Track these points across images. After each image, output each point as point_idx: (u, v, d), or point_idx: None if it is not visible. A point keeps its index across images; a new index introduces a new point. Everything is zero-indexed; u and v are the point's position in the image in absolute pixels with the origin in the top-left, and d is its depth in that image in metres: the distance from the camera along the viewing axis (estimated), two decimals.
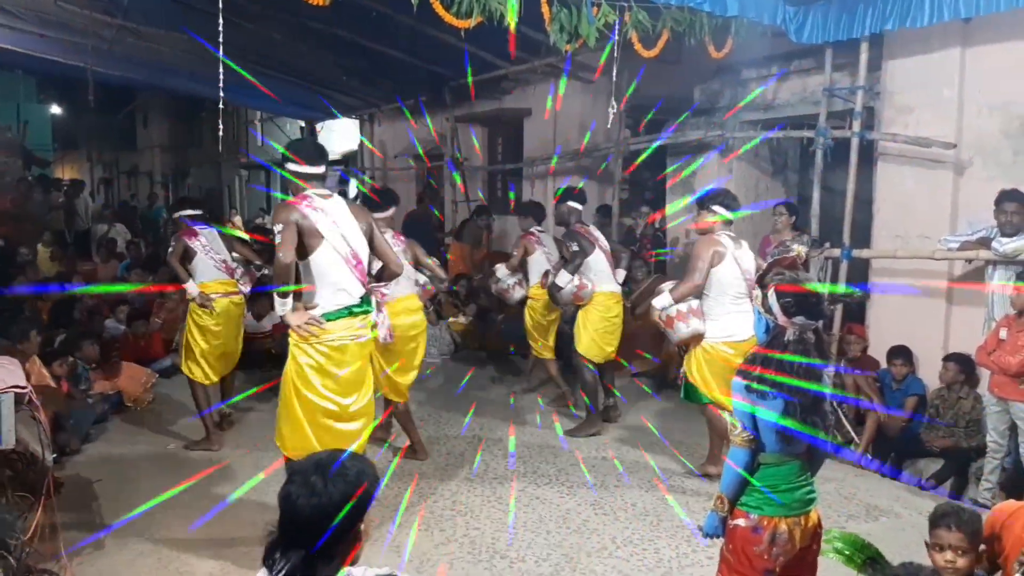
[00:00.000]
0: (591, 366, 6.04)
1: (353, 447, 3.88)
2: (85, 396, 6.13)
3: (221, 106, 6.16)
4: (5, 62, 14.37)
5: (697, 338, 4.84)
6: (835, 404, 5.92)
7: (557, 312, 6.71)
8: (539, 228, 6.71)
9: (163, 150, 26.19)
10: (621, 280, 6.22)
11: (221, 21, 5.31)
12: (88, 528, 4.30)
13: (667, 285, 4.94)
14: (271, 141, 16.11)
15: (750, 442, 2.69)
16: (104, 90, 12.39)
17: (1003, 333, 4.87)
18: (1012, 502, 3.01)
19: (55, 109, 24.59)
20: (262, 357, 8.08)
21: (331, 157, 4.03)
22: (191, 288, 5.57)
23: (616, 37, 5.68)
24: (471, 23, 5.19)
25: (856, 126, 6.08)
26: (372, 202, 5.37)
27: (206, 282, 5.64)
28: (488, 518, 4.56)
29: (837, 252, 6.10)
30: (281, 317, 3.85)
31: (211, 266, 5.69)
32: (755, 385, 2.63)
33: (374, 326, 4.15)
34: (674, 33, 5.90)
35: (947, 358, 5.48)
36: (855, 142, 6.06)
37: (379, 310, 5.02)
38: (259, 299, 8.38)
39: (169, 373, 7.54)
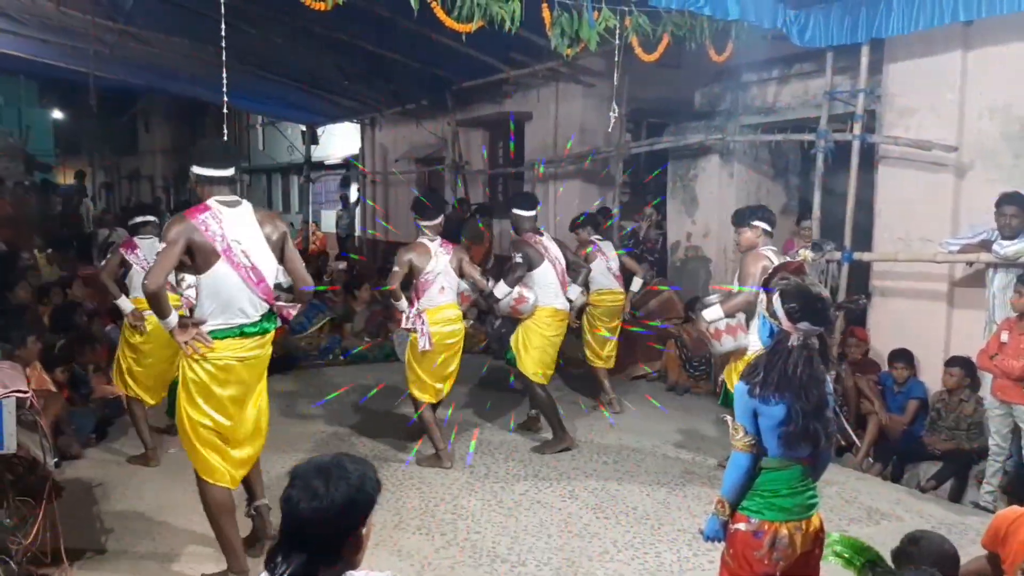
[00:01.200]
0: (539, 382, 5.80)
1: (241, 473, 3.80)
2: (86, 401, 6.13)
3: (225, 110, 6.16)
4: (7, 67, 14.41)
5: (739, 352, 4.85)
6: (836, 408, 5.93)
7: (618, 320, 6.77)
8: (598, 237, 6.81)
9: (165, 154, 26.24)
10: (573, 296, 5.94)
11: (224, 25, 5.32)
12: (89, 532, 4.30)
13: (715, 297, 5.00)
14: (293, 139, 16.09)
15: (752, 446, 2.68)
16: (106, 95, 12.41)
17: (1004, 336, 4.86)
18: (1015, 508, 3.01)
19: (57, 114, 24.65)
20: None
21: (236, 165, 3.74)
22: (124, 304, 5.27)
23: (617, 41, 5.69)
24: (472, 27, 5.20)
25: (857, 129, 6.08)
26: (422, 208, 5.40)
27: (141, 298, 4.97)
28: (489, 522, 4.56)
29: (838, 255, 6.10)
30: (169, 332, 3.58)
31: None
32: (758, 389, 2.63)
33: (403, 334, 3.90)
34: (675, 37, 5.90)
35: (950, 362, 5.47)
36: (856, 145, 6.06)
37: (420, 318, 5.13)
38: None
39: None
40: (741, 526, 2.70)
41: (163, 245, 3.47)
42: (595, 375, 6.90)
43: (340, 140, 17.25)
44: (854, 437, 5.83)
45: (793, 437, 2.61)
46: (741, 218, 5.05)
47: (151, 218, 5.63)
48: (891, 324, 6.15)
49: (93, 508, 4.67)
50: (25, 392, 3.52)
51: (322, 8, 5.01)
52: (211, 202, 3.57)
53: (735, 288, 4.91)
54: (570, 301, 5.92)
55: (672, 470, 5.44)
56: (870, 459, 5.72)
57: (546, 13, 5.36)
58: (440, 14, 5.14)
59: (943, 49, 5.74)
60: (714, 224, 8.08)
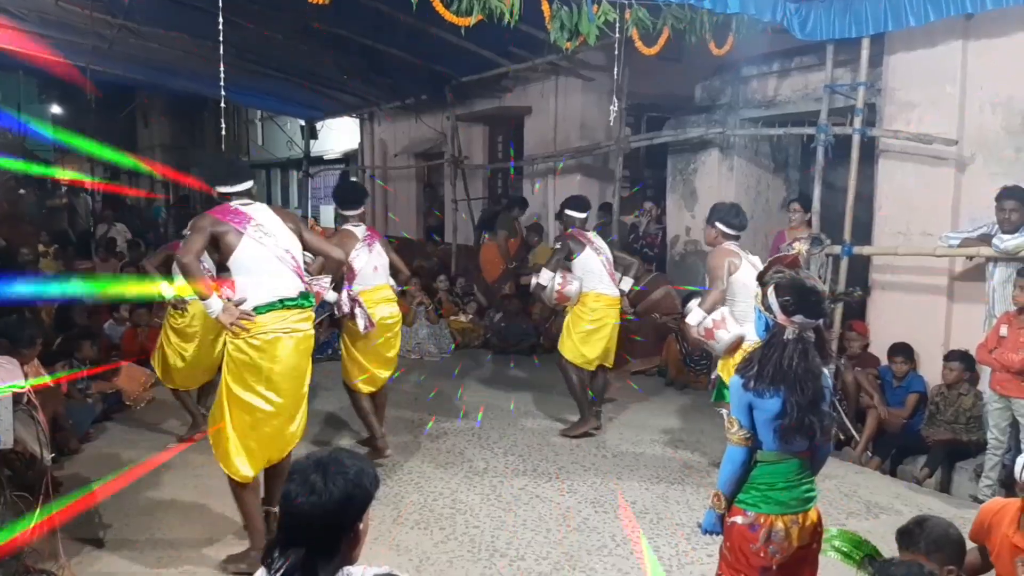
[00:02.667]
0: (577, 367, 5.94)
1: (283, 452, 3.89)
2: (84, 396, 6.13)
3: (223, 105, 6.14)
4: (6, 63, 14.36)
5: (737, 344, 4.76)
6: (835, 402, 5.92)
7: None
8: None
9: (164, 149, 26.21)
10: (625, 287, 6.08)
11: (221, 20, 5.30)
12: (87, 527, 4.29)
13: (693, 303, 4.98)
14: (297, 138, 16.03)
15: (747, 439, 2.68)
16: (105, 89, 12.38)
17: (1003, 330, 4.85)
18: (998, 500, 3.02)
19: (56, 109, 24.59)
20: None
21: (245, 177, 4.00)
22: (166, 290, 5.50)
23: (617, 35, 5.67)
24: (471, 21, 5.18)
25: (857, 123, 6.06)
26: (343, 197, 5.43)
27: (183, 285, 5.27)
28: (488, 516, 4.56)
29: (838, 249, 6.08)
30: (215, 318, 3.72)
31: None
32: (753, 383, 2.62)
33: (347, 318, 4.32)
34: (675, 31, 5.88)
35: (949, 356, 5.46)
36: (856, 139, 6.04)
37: (356, 301, 5.02)
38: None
39: None
40: (738, 519, 2.70)
41: (187, 231, 3.85)
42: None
43: (339, 135, 17.22)
44: (853, 431, 5.82)
45: (788, 430, 2.60)
46: (709, 215, 5.13)
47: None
48: (891, 318, 6.14)
49: (91, 503, 4.67)
50: (22, 387, 3.52)
51: (321, 2, 4.99)
52: (229, 203, 3.87)
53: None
54: (622, 292, 6.06)
55: (671, 465, 5.44)
56: (869, 453, 5.71)
57: (545, 7, 5.34)
58: (439, 8, 5.12)
59: (944, 42, 5.72)
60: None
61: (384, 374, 5.40)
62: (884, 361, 5.99)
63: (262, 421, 3.75)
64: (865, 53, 5.96)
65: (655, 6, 5.65)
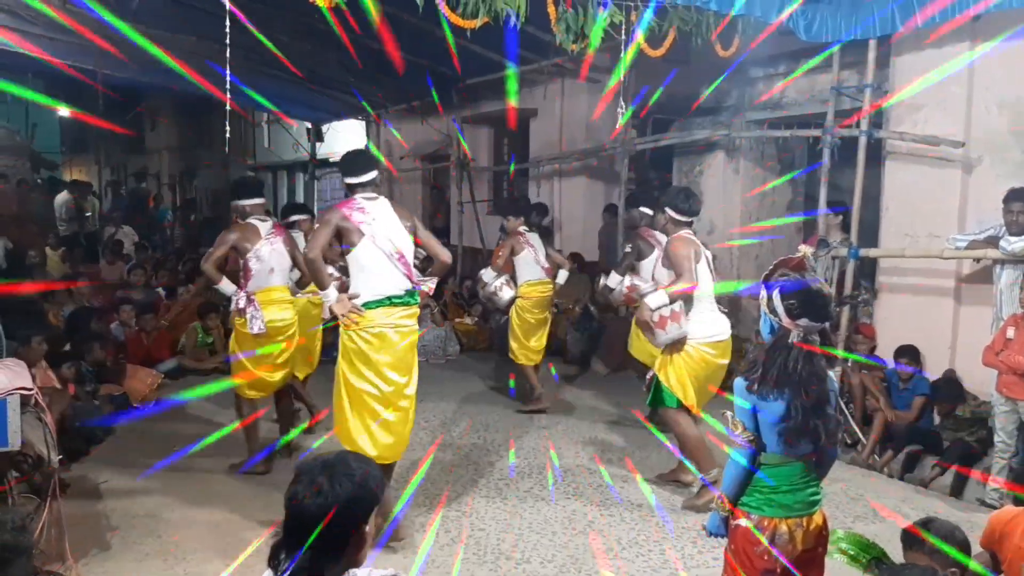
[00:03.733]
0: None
1: (392, 440, 4.14)
2: (91, 398, 6.15)
3: (228, 108, 6.16)
4: (14, 65, 14.43)
5: (679, 342, 4.62)
6: (842, 405, 5.90)
7: (545, 314, 6.65)
8: (525, 228, 6.65)
9: (171, 152, 26.28)
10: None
11: (228, 23, 5.32)
12: (94, 530, 4.31)
13: (648, 286, 4.83)
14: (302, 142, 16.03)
15: (751, 442, 2.67)
16: (112, 92, 12.43)
17: (1011, 332, 4.83)
18: (1010, 509, 2.99)
19: (63, 112, 24.67)
20: None
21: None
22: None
23: (623, 37, 5.67)
24: (477, 23, 5.18)
25: (864, 124, 6.04)
26: (244, 188, 5.43)
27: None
28: (493, 519, 4.56)
29: (844, 251, 6.07)
30: (329, 309, 4.09)
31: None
32: (757, 386, 2.61)
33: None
34: (681, 33, 5.87)
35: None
36: (863, 140, 6.03)
37: (250, 301, 4.98)
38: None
39: (175, 374, 7.57)
40: (742, 522, 2.69)
41: (317, 226, 4.08)
42: (524, 372, 6.73)
43: (345, 137, 17.25)
44: (860, 434, 5.80)
45: (793, 433, 2.59)
46: (659, 201, 4.89)
47: (304, 216, 6.36)
48: (897, 320, 6.12)
49: (98, 505, 4.69)
50: (30, 389, 3.53)
51: (326, 4, 5.00)
52: (356, 197, 4.16)
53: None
54: None
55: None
56: (876, 456, 5.69)
57: (551, 9, 5.34)
58: (446, 10, 5.12)
59: (951, 43, 5.70)
60: (719, 220, 8.05)
61: (275, 378, 5.26)
62: (891, 364, 5.97)
63: (374, 405, 4.06)
64: (872, 54, 5.94)
65: (661, 8, 5.65)
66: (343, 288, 4.29)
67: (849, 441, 5.78)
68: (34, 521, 3.52)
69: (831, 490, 5.00)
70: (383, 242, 4.07)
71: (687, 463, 4.78)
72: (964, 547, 2.83)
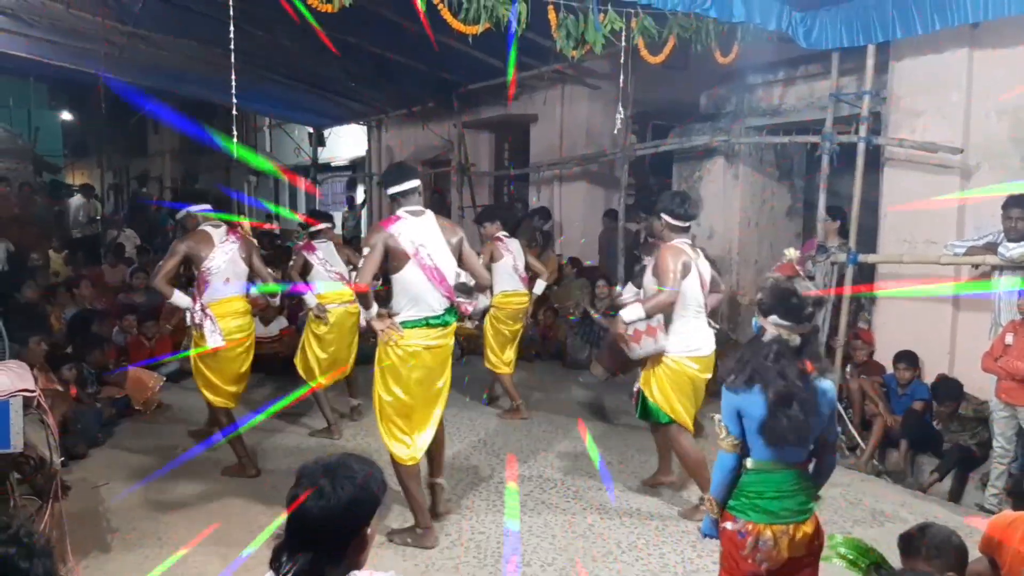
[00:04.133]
0: None
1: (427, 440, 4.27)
2: (93, 400, 6.17)
3: (234, 112, 6.19)
4: (17, 69, 14.49)
5: (656, 356, 4.52)
6: (841, 410, 5.91)
7: (520, 324, 6.62)
8: (504, 233, 6.60)
9: (173, 156, 26.32)
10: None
11: (232, 28, 5.35)
12: (95, 531, 4.32)
13: (630, 296, 4.72)
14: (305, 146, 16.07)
15: (735, 446, 2.71)
16: (114, 96, 12.48)
17: (1009, 338, 4.85)
18: (1007, 514, 3.00)
19: (66, 115, 24.74)
20: (271, 361, 8.11)
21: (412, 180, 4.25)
22: (309, 299, 5.97)
23: (623, 44, 5.70)
24: (478, 29, 5.21)
25: (863, 131, 6.07)
26: (195, 193, 5.46)
27: (323, 293, 6.03)
28: (493, 522, 4.57)
29: (843, 257, 6.09)
30: (367, 322, 4.21)
31: (327, 277, 6.08)
32: (732, 378, 2.67)
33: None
34: (680, 39, 5.90)
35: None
36: (861, 147, 6.06)
37: (206, 315, 4.95)
38: (269, 305, 8.43)
39: (176, 377, 7.58)
40: (728, 525, 2.74)
41: (366, 250, 4.06)
42: (500, 382, 6.71)
43: (346, 142, 17.29)
44: (859, 439, 5.82)
45: (770, 430, 2.61)
46: (655, 207, 4.66)
47: (328, 224, 6.45)
48: (896, 326, 6.13)
49: (99, 507, 4.70)
50: (32, 391, 3.55)
51: (329, 11, 5.03)
52: (401, 212, 4.15)
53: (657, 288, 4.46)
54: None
55: (676, 471, 5.43)
56: (875, 461, 5.70)
57: (552, 15, 5.37)
58: (447, 16, 5.15)
59: (949, 50, 5.74)
60: (719, 226, 8.08)
61: (234, 390, 5.27)
62: (890, 369, 5.98)
63: (404, 412, 4.18)
64: (870, 61, 5.97)
65: (661, 15, 5.68)
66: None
67: (848, 446, 5.79)
68: (35, 523, 3.54)
69: (830, 494, 5.01)
70: (426, 263, 4.09)
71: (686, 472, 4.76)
72: (961, 552, 2.84)
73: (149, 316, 8.14)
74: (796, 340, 2.64)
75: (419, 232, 4.12)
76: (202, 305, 4.98)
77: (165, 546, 4.21)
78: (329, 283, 6.06)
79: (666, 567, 4.07)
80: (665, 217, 4.53)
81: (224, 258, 5.08)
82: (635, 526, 4.55)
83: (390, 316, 4.15)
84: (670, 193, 4.75)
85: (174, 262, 5.03)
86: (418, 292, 4.11)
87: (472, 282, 4.43)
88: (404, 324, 4.11)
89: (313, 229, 6.30)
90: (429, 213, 4.22)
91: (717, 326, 4.77)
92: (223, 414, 5.26)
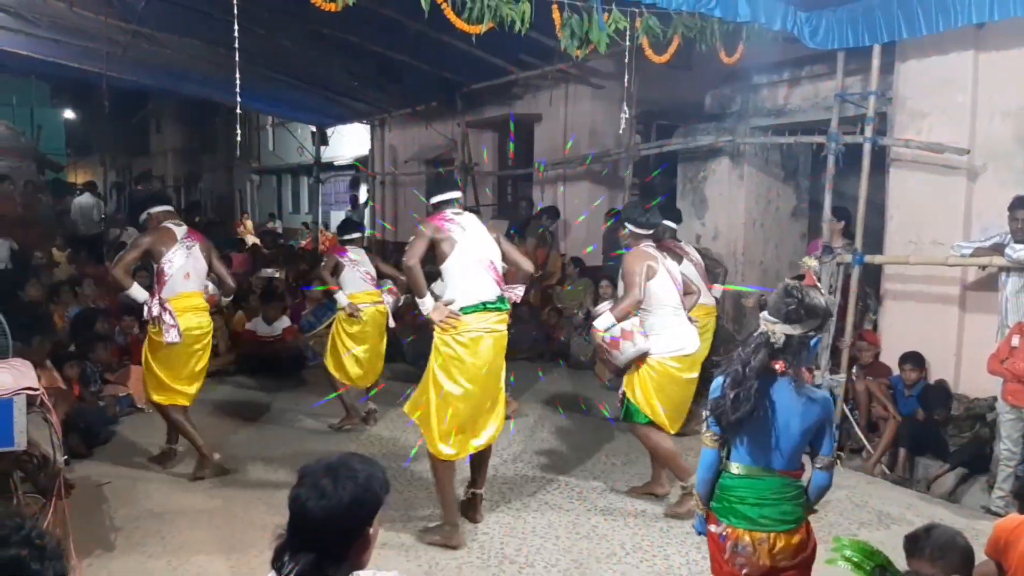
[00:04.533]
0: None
1: (484, 440, 4.35)
2: (96, 398, 6.16)
3: (238, 111, 6.19)
4: (20, 67, 14.49)
5: (641, 358, 4.61)
6: (847, 411, 5.90)
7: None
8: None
9: (176, 154, 26.37)
10: (716, 296, 6.19)
11: (236, 27, 5.34)
12: (98, 530, 4.32)
13: (604, 305, 4.82)
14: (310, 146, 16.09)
15: (716, 442, 2.73)
16: (117, 95, 12.49)
17: (1015, 340, 4.83)
18: (1014, 517, 2.98)
19: (68, 114, 24.79)
20: (273, 360, 8.12)
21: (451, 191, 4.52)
22: (341, 299, 6.22)
23: (627, 43, 5.68)
24: (482, 29, 5.19)
25: (868, 131, 6.05)
26: (154, 195, 5.74)
27: (355, 293, 6.28)
28: (497, 523, 4.56)
29: (849, 258, 6.07)
30: (425, 315, 4.26)
31: (358, 279, 6.35)
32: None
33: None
34: (685, 39, 5.88)
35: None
36: (867, 147, 6.03)
37: (164, 309, 4.94)
38: (272, 304, 8.43)
39: None
40: (712, 527, 2.76)
41: (413, 237, 4.27)
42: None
43: (350, 141, 17.29)
44: (865, 441, 5.80)
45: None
46: (620, 217, 4.98)
47: (358, 234, 6.77)
48: (902, 328, 6.11)
49: (103, 506, 4.70)
50: (36, 389, 3.54)
51: (332, 9, 5.01)
52: (445, 211, 4.37)
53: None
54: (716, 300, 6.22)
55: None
56: (883, 464, 5.67)
57: (556, 15, 5.36)
58: (450, 15, 5.13)
59: (955, 51, 5.72)
60: (723, 226, 8.06)
61: (190, 390, 5.21)
62: (896, 371, 5.96)
63: (460, 407, 4.17)
64: (876, 62, 5.95)
65: (665, 14, 5.66)
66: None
67: (854, 448, 5.77)
68: (39, 521, 3.53)
69: (836, 497, 5.00)
70: (474, 251, 4.25)
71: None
72: (967, 554, 2.82)
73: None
74: (780, 340, 2.62)
75: (464, 225, 4.31)
76: (160, 300, 4.98)
77: (168, 545, 4.20)
78: (360, 284, 6.34)
79: (670, 568, 4.06)
80: (629, 227, 4.81)
81: (184, 254, 5.11)
82: (639, 527, 4.53)
83: (446, 305, 4.19)
84: (632, 203, 5.13)
85: (135, 255, 5.09)
86: (470, 276, 4.22)
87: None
88: (462, 310, 4.17)
89: (347, 237, 6.67)
90: (470, 213, 4.50)
91: (697, 320, 4.96)
92: (177, 411, 5.17)
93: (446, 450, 4.22)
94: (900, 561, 3.03)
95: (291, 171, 22.46)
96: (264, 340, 8.26)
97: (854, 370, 6.08)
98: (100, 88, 10.49)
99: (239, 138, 6.28)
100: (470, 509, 4.56)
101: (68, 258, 10.84)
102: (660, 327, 4.62)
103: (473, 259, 4.24)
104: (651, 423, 4.66)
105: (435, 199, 4.50)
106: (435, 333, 4.24)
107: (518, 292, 4.48)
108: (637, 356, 4.59)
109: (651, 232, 4.81)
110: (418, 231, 4.32)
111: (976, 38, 5.59)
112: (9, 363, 3.76)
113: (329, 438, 6.09)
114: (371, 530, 1.93)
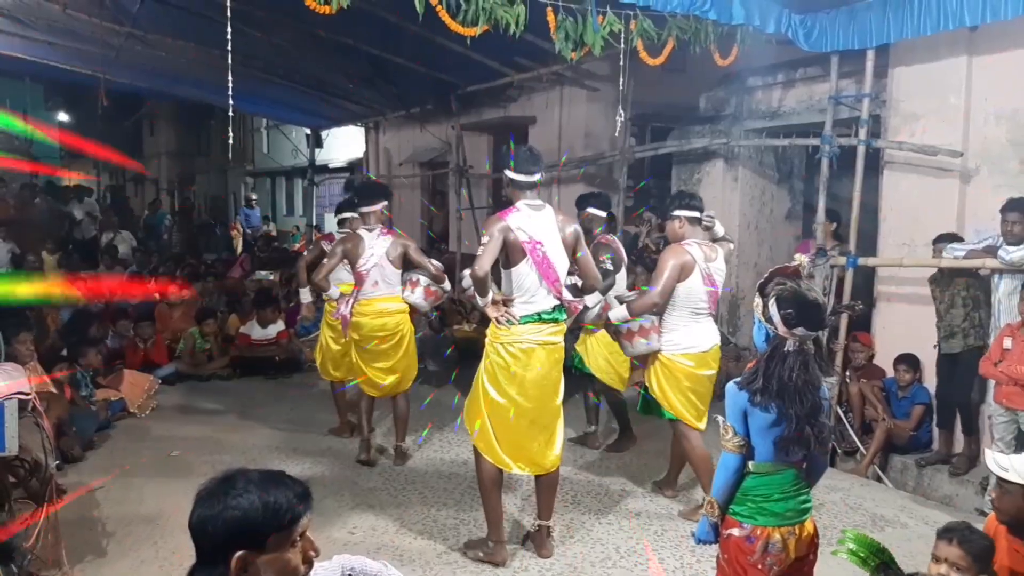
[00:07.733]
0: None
1: (542, 460, 4.08)
2: (88, 402, 6.13)
3: (231, 113, 6.17)
4: (13, 70, 14.45)
5: (654, 353, 4.59)
6: (840, 414, 5.90)
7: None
8: None
9: (169, 156, 26.31)
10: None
11: (229, 29, 5.33)
12: (90, 535, 4.29)
13: (627, 295, 4.74)
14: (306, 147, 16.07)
15: (741, 447, 2.69)
16: (111, 97, 12.46)
17: (1007, 342, 4.83)
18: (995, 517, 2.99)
19: (62, 116, 24.73)
20: (267, 364, 8.09)
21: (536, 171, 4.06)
22: (333, 292, 5.91)
23: (622, 46, 5.68)
24: (477, 31, 5.19)
25: (862, 134, 6.06)
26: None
27: (348, 281, 5.88)
28: None
29: (843, 260, 6.08)
30: (481, 310, 4.12)
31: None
32: (759, 397, 2.61)
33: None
34: (679, 41, 5.89)
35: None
36: (861, 150, 6.04)
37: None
38: (266, 308, 8.41)
39: (172, 380, 7.55)
40: (734, 531, 2.70)
41: (486, 238, 3.91)
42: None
43: (344, 144, 17.28)
44: (858, 443, 5.80)
45: (788, 442, 2.61)
46: (667, 209, 4.71)
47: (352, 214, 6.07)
48: (896, 329, 6.12)
49: (95, 511, 4.67)
50: (27, 393, 3.52)
51: (326, 12, 5.01)
52: (520, 204, 4.01)
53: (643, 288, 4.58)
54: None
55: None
56: (875, 466, 5.68)
57: (551, 17, 5.36)
58: (445, 18, 5.13)
59: (948, 54, 5.73)
60: (718, 228, 8.04)
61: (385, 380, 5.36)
62: (890, 373, 5.97)
63: (512, 420, 3.98)
64: (870, 64, 5.97)
65: (660, 17, 5.66)
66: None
67: (848, 450, 5.77)
68: (30, 526, 3.51)
69: (830, 499, 5.00)
70: (541, 260, 3.95)
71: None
72: (991, 549, 2.82)
73: (144, 319, 8.12)
74: (811, 347, 2.63)
75: (536, 227, 3.97)
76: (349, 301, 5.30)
77: (161, 550, 4.18)
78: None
79: (665, 572, 4.05)
80: (681, 213, 4.57)
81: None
82: (634, 531, 4.52)
83: (504, 303, 3.98)
84: (679, 192, 4.80)
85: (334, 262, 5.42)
86: (530, 287, 3.97)
87: (580, 283, 4.29)
88: (519, 320, 3.99)
89: (341, 217, 6.46)
90: (548, 208, 4.08)
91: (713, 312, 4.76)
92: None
93: (506, 459, 4.02)
94: (902, 561, 3.03)
95: (285, 174, 22.44)
96: (258, 344, 8.23)
97: (847, 372, 6.08)
98: (94, 90, 10.45)
99: (231, 141, 6.26)
100: (536, 543, 4.23)
101: (58, 261, 10.78)
102: (673, 325, 4.55)
103: (538, 269, 3.95)
104: (675, 420, 4.60)
105: (515, 176, 4.03)
106: (487, 339, 4.06)
107: (578, 305, 4.29)
108: (647, 353, 4.58)
109: (700, 217, 4.59)
110: (488, 230, 3.94)
111: (969, 41, 5.61)
112: (1, 367, 3.74)
113: (322, 443, 6.06)
114: (265, 558, 1.74)
